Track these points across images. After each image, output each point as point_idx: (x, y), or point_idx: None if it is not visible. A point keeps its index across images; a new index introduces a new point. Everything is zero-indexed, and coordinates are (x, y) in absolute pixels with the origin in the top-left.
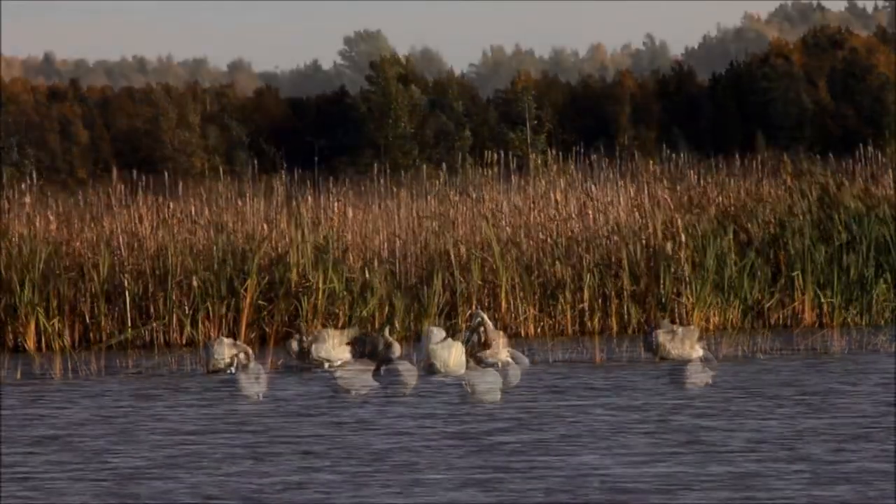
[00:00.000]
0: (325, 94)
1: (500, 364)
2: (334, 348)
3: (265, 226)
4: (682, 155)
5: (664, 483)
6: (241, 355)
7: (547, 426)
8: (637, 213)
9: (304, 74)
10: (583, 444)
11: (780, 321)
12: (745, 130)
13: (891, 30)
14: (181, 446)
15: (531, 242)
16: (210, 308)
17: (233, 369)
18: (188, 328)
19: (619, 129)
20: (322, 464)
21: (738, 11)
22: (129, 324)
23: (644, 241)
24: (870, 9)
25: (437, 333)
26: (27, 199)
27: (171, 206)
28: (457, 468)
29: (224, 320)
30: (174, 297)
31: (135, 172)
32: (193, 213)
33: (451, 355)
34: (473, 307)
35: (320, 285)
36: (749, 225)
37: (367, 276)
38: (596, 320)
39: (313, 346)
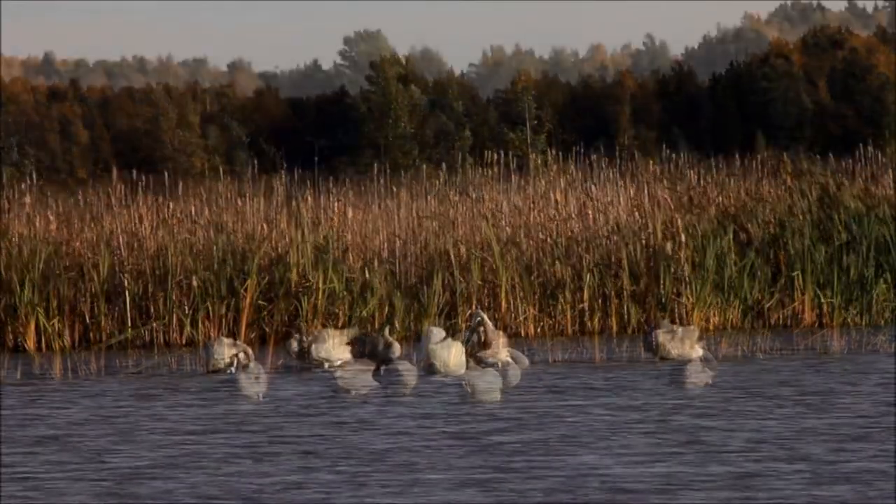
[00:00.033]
0: (325, 94)
1: (500, 364)
2: (334, 348)
3: (265, 226)
4: (682, 155)
5: (664, 483)
6: (241, 355)
7: (547, 426)
8: (637, 213)
9: (304, 74)
10: (583, 444)
11: (780, 321)
12: (745, 130)
13: (891, 30)
14: (181, 446)
15: (531, 242)
16: (210, 308)
17: (233, 369)
18: (188, 328)
19: (619, 129)
20: (322, 464)
21: (738, 11)
22: (129, 324)
23: (644, 241)
24: (870, 9)
25: (437, 333)
26: (27, 199)
27: (171, 206)
28: (456, 468)
29: (224, 320)
30: (174, 297)
31: (135, 172)
32: (193, 213)
33: (451, 355)
34: (473, 307)
35: (320, 285)
36: (749, 225)
37: (367, 276)
38: (596, 320)
39: (313, 346)
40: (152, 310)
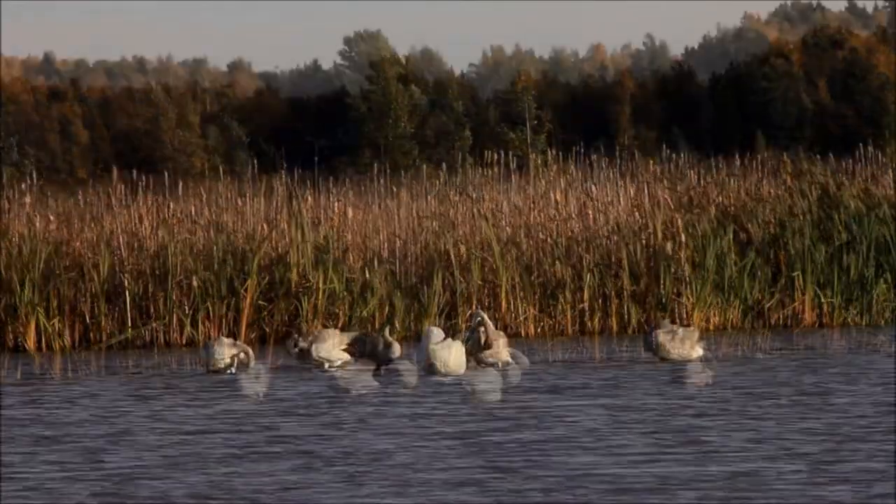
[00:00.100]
0: (325, 94)
1: (500, 364)
2: (334, 348)
3: (265, 226)
4: (682, 155)
5: (664, 483)
6: (242, 355)
7: (547, 426)
8: (637, 213)
9: (304, 74)
10: (582, 444)
11: (780, 321)
12: (745, 130)
13: (891, 30)
14: (180, 446)
15: (531, 242)
16: (210, 308)
17: (233, 369)
18: (188, 328)
19: (619, 129)
20: (321, 464)
21: (738, 11)
22: (129, 324)
23: (644, 241)
24: (870, 9)
25: (437, 333)
26: (27, 199)
27: (171, 206)
28: (456, 468)
29: (224, 320)
30: (174, 297)
31: (135, 172)
32: (193, 213)
33: (451, 355)
34: (473, 307)
35: (320, 285)
36: (749, 225)
37: (368, 276)
38: (596, 320)
39: (313, 346)
40: (152, 310)
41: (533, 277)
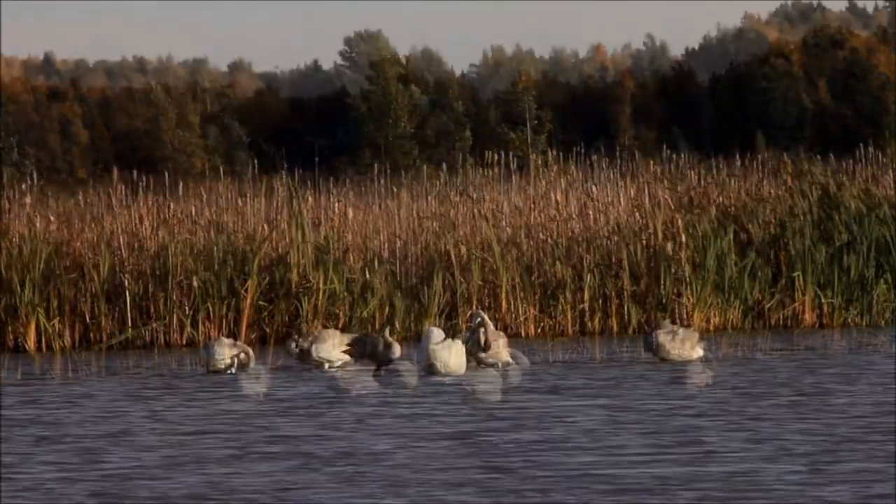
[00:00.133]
0: (325, 94)
1: (500, 364)
2: (334, 349)
3: (265, 226)
4: (682, 155)
5: (663, 483)
6: (242, 355)
7: (547, 426)
8: (637, 214)
9: (304, 74)
10: (582, 445)
11: (781, 321)
12: (745, 130)
13: (891, 30)
14: (180, 447)
15: (532, 243)
16: (210, 308)
17: (233, 369)
18: (188, 328)
19: (620, 129)
20: (321, 464)
21: (738, 11)
22: (130, 324)
23: (644, 242)
24: (870, 9)
25: (437, 334)
26: (27, 199)
27: (172, 206)
28: (456, 468)
29: (224, 321)
30: (174, 298)
31: (135, 172)
32: (194, 213)
33: (451, 355)
34: (474, 307)
35: (321, 286)
36: (749, 225)
37: (368, 276)
38: (596, 321)
39: (313, 347)
40: (152, 310)
41: (533, 278)
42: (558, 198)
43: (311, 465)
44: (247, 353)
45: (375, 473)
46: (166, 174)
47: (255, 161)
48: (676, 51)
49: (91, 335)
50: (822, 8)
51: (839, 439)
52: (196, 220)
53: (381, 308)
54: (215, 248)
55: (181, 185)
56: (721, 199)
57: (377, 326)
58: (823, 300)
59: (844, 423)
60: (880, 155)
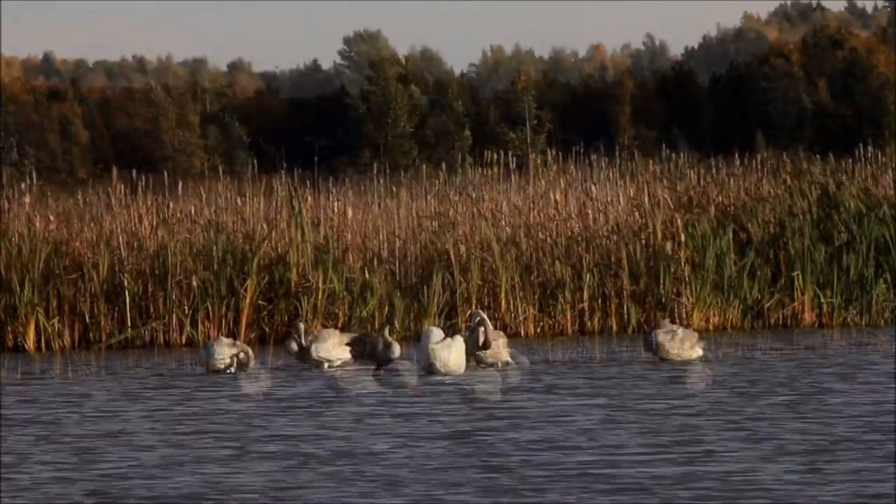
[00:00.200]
0: (325, 94)
1: (499, 364)
2: (334, 348)
3: (265, 225)
4: (681, 155)
5: (663, 483)
6: (241, 355)
7: (545, 426)
8: (637, 213)
9: (304, 74)
10: (581, 444)
11: (780, 321)
12: (745, 130)
13: (891, 30)
14: (179, 446)
15: (531, 242)
16: (210, 308)
17: (233, 369)
18: (188, 328)
19: (619, 129)
20: (320, 463)
21: (738, 11)
22: (129, 324)
23: (644, 241)
24: (870, 9)
25: (437, 333)
26: (27, 199)
27: (171, 205)
28: (454, 468)
29: (224, 320)
30: (174, 297)
31: (135, 172)
32: (193, 212)
33: (451, 355)
34: (473, 307)
35: (320, 285)
36: (749, 225)
37: (367, 276)
38: (596, 320)
39: (313, 346)
40: (152, 310)
41: (532, 277)
42: (558, 197)
43: (309, 465)
44: (246, 353)
45: (374, 473)
46: (166, 174)
47: (255, 161)
48: (676, 51)
49: (90, 335)
50: (821, 8)
51: (838, 439)
52: (195, 220)
53: (380, 308)
54: (215, 248)
55: (181, 184)
56: (720, 198)
57: (377, 326)
58: (823, 300)
59: (843, 423)
60: (880, 155)
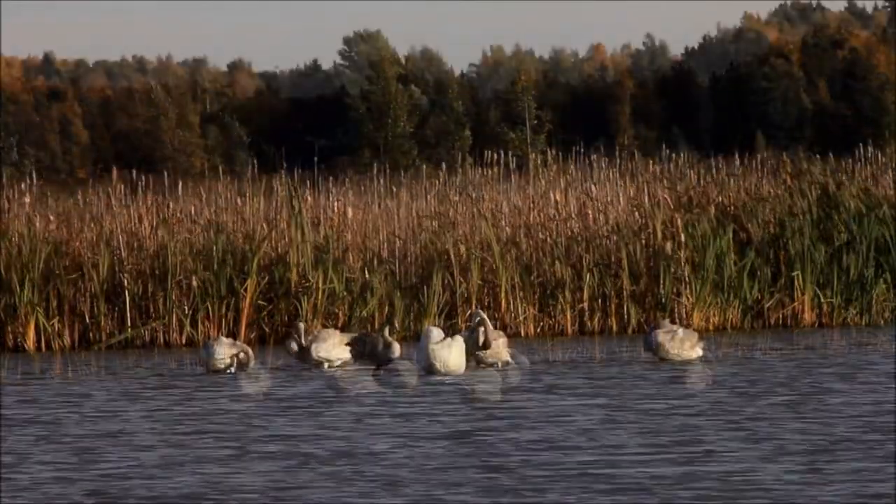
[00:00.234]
0: (325, 94)
1: (499, 364)
2: (334, 348)
3: (265, 225)
4: (682, 155)
5: (663, 483)
6: (241, 355)
7: (546, 426)
8: (637, 213)
9: (304, 74)
10: (580, 444)
11: (780, 321)
12: (745, 130)
13: (891, 30)
14: (179, 446)
15: (531, 242)
16: (210, 308)
17: (233, 369)
18: (188, 328)
19: (619, 129)
20: (320, 464)
21: (738, 11)
22: (129, 324)
23: (644, 241)
24: (870, 9)
25: (437, 333)
26: (27, 199)
27: (171, 205)
28: (454, 468)
29: (224, 320)
30: (174, 297)
31: (135, 172)
32: (193, 212)
33: (451, 354)
34: (473, 307)
35: (320, 285)
36: (749, 225)
37: (367, 276)
38: (596, 320)
39: (313, 346)
40: (152, 310)
41: (532, 277)
42: (558, 197)
43: (309, 465)
44: (246, 353)
45: (374, 473)
46: (166, 174)
47: (255, 161)
48: (676, 51)
49: (90, 335)
50: (821, 8)
51: (838, 439)
52: (195, 220)
53: (380, 307)
54: (215, 248)
55: (180, 184)
56: (720, 198)
57: (377, 326)
58: (823, 300)
59: (843, 423)
60: (880, 155)
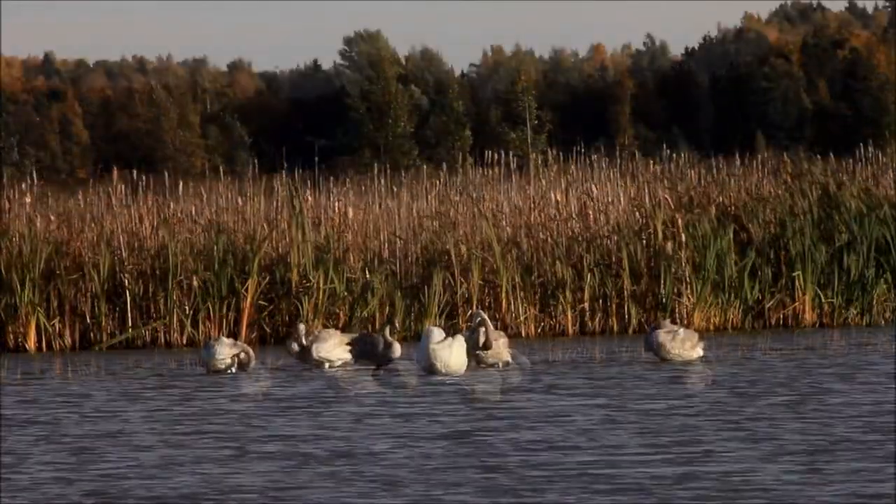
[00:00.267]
0: (325, 94)
1: (500, 364)
2: (334, 348)
3: (266, 226)
4: (682, 155)
5: (662, 483)
6: (242, 355)
7: (546, 426)
8: (637, 213)
9: (304, 74)
10: (580, 444)
11: (781, 321)
12: (746, 130)
13: (891, 30)
14: (179, 447)
15: (531, 242)
16: (210, 308)
17: (233, 369)
18: (189, 328)
19: (619, 129)
20: (320, 464)
21: (738, 11)
22: (130, 324)
23: (644, 242)
24: (870, 9)
25: (437, 333)
26: (27, 199)
27: (172, 206)
28: (455, 468)
29: (225, 320)
30: (175, 298)
31: (135, 172)
32: (194, 213)
33: (452, 355)
34: (474, 307)
35: (321, 285)
36: (750, 225)
37: (368, 276)
38: (596, 320)
39: (314, 347)
40: (153, 310)
41: (533, 277)
42: (558, 197)
43: (309, 465)
44: (247, 353)
45: (373, 473)
46: (166, 174)
47: (256, 161)
48: (676, 51)
49: (91, 335)
50: (821, 8)
51: (838, 439)
52: (196, 220)
53: (381, 308)
54: (215, 248)
55: (181, 184)
56: (721, 198)
57: (377, 326)
58: (823, 300)
59: (843, 423)
60: (880, 155)
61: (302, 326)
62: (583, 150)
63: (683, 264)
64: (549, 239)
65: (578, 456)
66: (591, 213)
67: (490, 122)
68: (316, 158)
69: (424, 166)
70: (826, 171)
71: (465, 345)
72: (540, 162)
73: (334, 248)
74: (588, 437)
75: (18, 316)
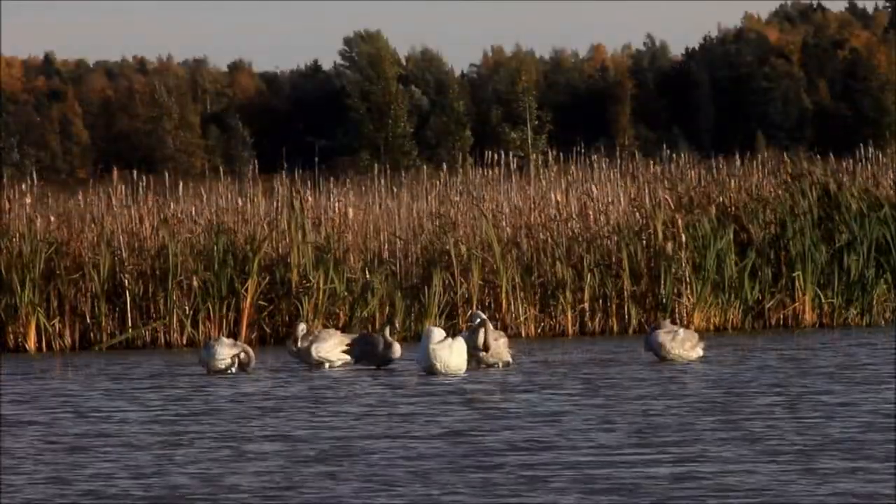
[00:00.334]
0: (325, 94)
1: (500, 364)
2: (334, 348)
3: (266, 226)
4: (682, 155)
5: (662, 483)
6: (242, 355)
7: (546, 426)
8: (637, 214)
9: (304, 75)
10: (581, 444)
11: (781, 321)
12: (746, 130)
13: (891, 30)
14: (179, 447)
15: (532, 242)
16: (211, 308)
17: (233, 369)
18: (189, 328)
19: (620, 129)
20: (319, 464)
21: (738, 11)
22: (130, 324)
23: (645, 242)
24: (870, 9)
25: (438, 333)
26: (27, 199)
27: (172, 206)
28: (455, 468)
29: (225, 320)
30: (175, 298)
31: (135, 173)
32: (194, 213)
33: (452, 355)
34: (474, 307)
35: (321, 286)
36: (750, 225)
37: (368, 276)
38: (596, 321)
39: (314, 347)
40: (153, 310)
41: (533, 278)
42: (558, 198)
43: (309, 465)
44: (247, 353)
45: (370, 472)
46: (166, 174)
47: (256, 161)
48: (677, 51)
49: (91, 335)
50: (822, 8)
51: (836, 439)
52: (196, 220)
53: (381, 308)
54: (215, 248)
55: (181, 185)
56: (721, 198)
57: (377, 326)
58: (823, 300)
59: (842, 423)
60: (880, 155)
61: (302, 326)
62: (583, 151)
63: (683, 264)
64: (550, 239)
65: (577, 456)
66: (591, 213)
67: (490, 122)
68: (316, 158)
69: (424, 166)
70: (826, 172)
71: (465, 345)
72: (540, 162)
73: (334, 248)
74: (586, 437)
75: (18, 316)
